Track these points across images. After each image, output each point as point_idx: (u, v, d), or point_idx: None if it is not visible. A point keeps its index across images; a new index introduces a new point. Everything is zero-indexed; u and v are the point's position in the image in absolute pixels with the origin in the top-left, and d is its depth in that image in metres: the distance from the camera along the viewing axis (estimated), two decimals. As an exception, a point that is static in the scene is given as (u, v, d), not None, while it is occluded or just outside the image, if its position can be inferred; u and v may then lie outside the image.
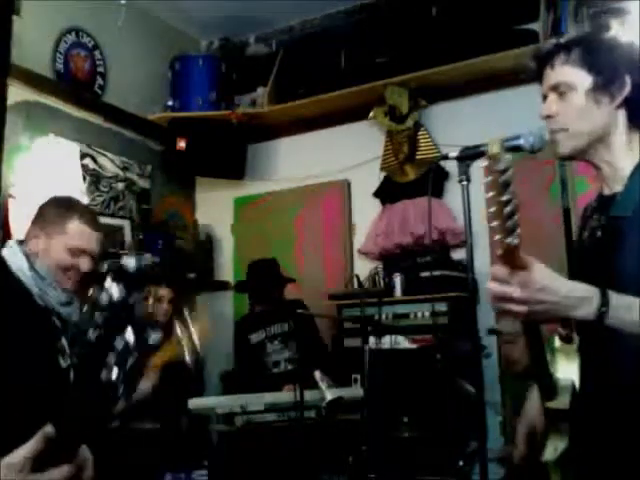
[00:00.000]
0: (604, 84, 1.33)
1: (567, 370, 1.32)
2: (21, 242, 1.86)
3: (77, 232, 1.84)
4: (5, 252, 1.81)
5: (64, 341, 1.77)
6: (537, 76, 1.43)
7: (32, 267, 1.77)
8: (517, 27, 3.68)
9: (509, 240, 1.02)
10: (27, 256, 1.79)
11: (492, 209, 1.02)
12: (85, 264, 1.84)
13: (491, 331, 3.05)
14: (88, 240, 1.85)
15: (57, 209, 1.87)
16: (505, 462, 2.90)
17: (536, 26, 3.54)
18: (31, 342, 1.64)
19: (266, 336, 3.54)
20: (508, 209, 1.01)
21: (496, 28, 3.70)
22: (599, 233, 1.35)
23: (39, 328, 1.72)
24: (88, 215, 1.91)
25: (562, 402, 1.28)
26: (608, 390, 1.27)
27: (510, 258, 1.05)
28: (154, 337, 1.73)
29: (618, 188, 1.36)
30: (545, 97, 1.42)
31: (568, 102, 1.35)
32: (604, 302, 1.11)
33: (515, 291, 1.08)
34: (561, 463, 1.28)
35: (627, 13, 3.12)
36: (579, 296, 1.11)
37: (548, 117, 1.38)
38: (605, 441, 1.27)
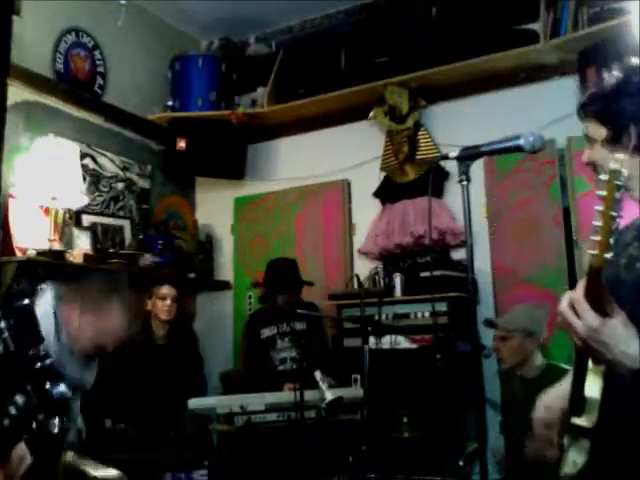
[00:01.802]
0: (614, 136, 1.35)
1: (595, 389, 1.33)
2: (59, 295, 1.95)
3: (111, 325, 1.98)
4: (41, 303, 1.90)
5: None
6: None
7: (58, 336, 1.87)
8: (517, 27, 3.68)
9: (607, 255, 1.05)
10: (56, 321, 1.88)
11: (598, 222, 1.06)
12: (109, 348, 2.01)
13: (487, 322, 3.06)
14: (117, 331, 2.00)
15: (101, 293, 2.01)
16: (504, 464, 2.91)
17: (536, 26, 3.54)
18: None
19: (278, 332, 3.56)
20: (615, 225, 1.05)
21: (496, 28, 3.69)
22: (639, 264, 1.34)
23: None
24: (126, 308, 2.06)
25: (588, 419, 1.29)
26: (629, 412, 1.27)
27: (597, 275, 1.09)
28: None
29: None
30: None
31: (594, 152, 1.39)
32: None
33: (580, 328, 1.13)
34: (576, 478, 1.30)
35: (627, 13, 3.12)
36: (632, 367, 1.14)
37: (587, 164, 1.42)
38: (623, 462, 1.27)
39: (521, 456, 2.69)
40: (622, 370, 1.15)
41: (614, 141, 1.36)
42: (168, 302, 3.52)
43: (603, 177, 1.06)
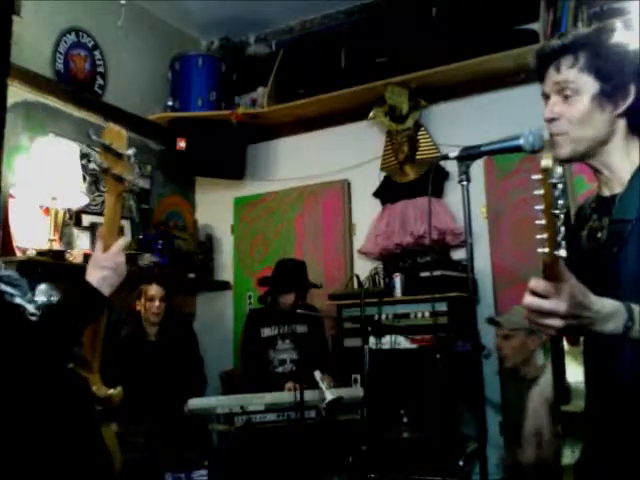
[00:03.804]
0: (610, 92, 1.33)
1: (576, 373, 1.33)
2: None
3: None
4: None
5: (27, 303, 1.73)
6: (539, 74, 1.42)
7: None
8: (517, 27, 3.68)
9: (558, 252, 1.03)
10: None
11: (542, 221, 1.03)
12: None
13: (490, 320, 3.06)
14: None
15: None
16: (505, 468, 2.90)
17: (536, 26, 3.54)
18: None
19: (279, 333, 3.55)
20: (559, 222, 1.02)
21: (496, 28, 3.69)
22: (600, 235, 1.35)
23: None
24: None
25: (577, 405, 1.29)
26: (613, 390, 1.28)
27: (553, 271, 1.06)
28: None
29: (617, 190, 1.37)
30: (547, 97, 1.40)
31: (572, 106, 1.35)
32: (630, 317, 1.13)
33: (557, 306, 1.08)
34: (575, 466, 1.29)
35: (627, 13, 3.12)
36: (608, 312, 1.13)
37: (551, 120, 1.37)
38: (615, 443, 1.27)
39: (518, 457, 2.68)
40: (611, 326, 1.13)
41: (608, 97, 1.35)
42: (156, 303, 3.51)
43: (536, 177, 1.04)
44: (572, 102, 1.35)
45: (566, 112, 1.35)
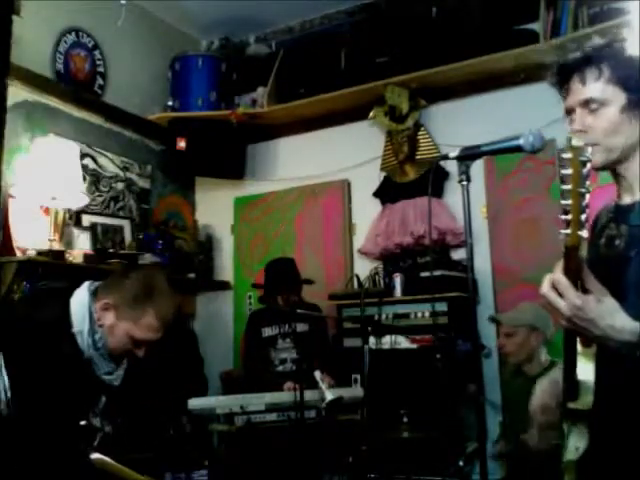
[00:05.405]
0: (637, 100, 1.35)
1: (588, 372, 1.33)
2: (94, 292, 1.87)
3: (148, 326, 1.87)
4: (75, 299, 1.82)
5: (102, 403, 1.81)
6: (560, 87, 1.45)
7: (93, 333, 1.80)
8: (517, 27, 3.68)
9: (581, 233, 1.03)
10: (91, 317, 1.81)
11: (567, 201, 1.03)
12: (141, 353, 1.89)
13: (492, 319, 3.07)
14: (155, 333, 1.89)
15: (139, 292, 1.87)
16: (503, 457, 2.91)
17: (536, 26, 3.54)
18: (70, 401, 1.69)
19: (279, 332, 3.56)
20: (585, 202, 1.02)
21: (496, 28, 3.70)
22: (617, 242, 1.36)
23: (80, 389, 1.76)
24: (165, 308, 1.92)
25: (584, 403, 1.29)
26: (623, 390, 1.28)
27: (574, 254, 1.07)
28: None
29: (637, 197, 1.37)
30: (570, 111, 1.42)
31: (601, 117, 1.36)
32: None
33: (564, 308, 1.12)
34: (579, 463, 1.30)
35: (627, 13, 3.12)
36: (621, 339, 1.14)
37: (579, 132, 1.38)
38: (621, 443, 1.28)
39: (522, 451, 2.69)
40: (611, 344, 1.15)
41: (635, 106, 1.37)
42: None
43: (566, 155, 1.05)
44: (600, 114, 1.36)
45: (595, 123, 1.36)
